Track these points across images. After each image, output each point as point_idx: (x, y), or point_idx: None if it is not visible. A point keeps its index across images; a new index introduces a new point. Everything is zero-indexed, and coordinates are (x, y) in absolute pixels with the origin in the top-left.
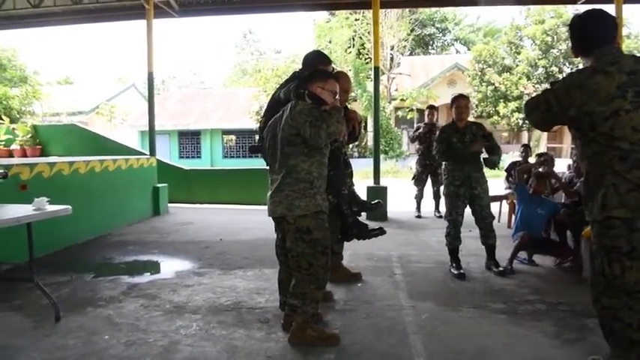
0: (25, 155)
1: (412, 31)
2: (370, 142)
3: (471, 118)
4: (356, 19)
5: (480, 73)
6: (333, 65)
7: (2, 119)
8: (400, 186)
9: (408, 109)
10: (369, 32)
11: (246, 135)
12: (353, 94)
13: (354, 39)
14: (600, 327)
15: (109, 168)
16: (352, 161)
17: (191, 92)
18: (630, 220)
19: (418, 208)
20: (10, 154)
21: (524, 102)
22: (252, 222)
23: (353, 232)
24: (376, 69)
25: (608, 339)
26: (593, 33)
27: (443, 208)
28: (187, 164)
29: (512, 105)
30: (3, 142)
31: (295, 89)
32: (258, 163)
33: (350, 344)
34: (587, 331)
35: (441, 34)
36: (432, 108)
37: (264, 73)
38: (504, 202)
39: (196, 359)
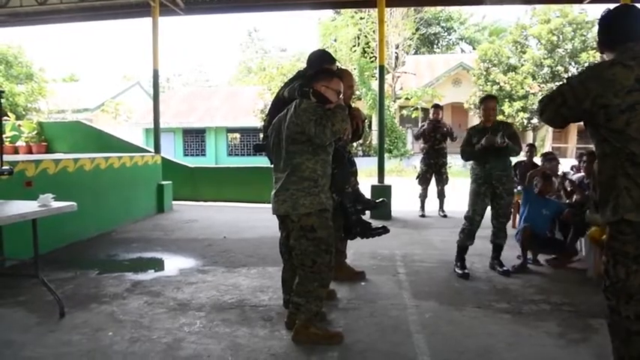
0: (30, 152)
1: (417, 30)
2: (375, 141)
3: (476, 119)
4: (361, 18)
5: (485, 73)
6: (337, 64)
7: (8, 116)
8: (404, 185)
9: (412, 108)
10: (374, 31)
11: (251, 133)
12: (358, 92)
13: (359, 37)
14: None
15: (114, 165)
16: (357, 160)
17: (196, 90)
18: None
19: (422, 207)
20: (16, 151)
21: (529, 101)
22: (256, 220)
23: (356, 231)
24: (381, 68)
25: (609, 329)
26: (619, 29)
27: (447, 207)
28: (192, 162)
29: (518, 104)
30: (9, 139)
31: (300, 88)
32: (263, 162)
33: (353, 343)
34: (592, 331)
35: (446, 33)
36: (437, 107)
37: (269, 72)
38: None
39: (200, 356)
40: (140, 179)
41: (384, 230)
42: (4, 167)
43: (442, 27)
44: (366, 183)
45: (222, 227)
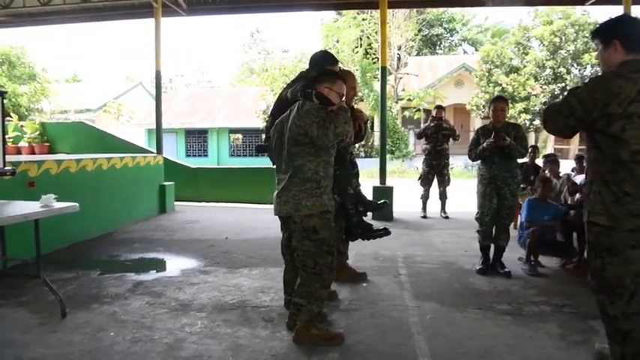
0: (33, 152)
1: (419, 31)
2: (377, 142)
3: (478, 120)
4: (363, 19)
5: (487, 74)
6: (339, 65)
7: (11, 116)
8: (406, 186)
9: (414, 110)
10: (376, 32)
11: (253, 134)
12: (360, 93)
13: (361, 39)
14: None
15: (116, 166)
16: (358, 161)
17: (198, 91)
18: (610, 227)
19: (424, 208)
20: (19, 151)
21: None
22: (258, 221)
23: (357, 232)
24: (383, 69)
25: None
26: (631, 36)
27: (449, 209)
28: (194, 162)
29: (520, 106)
30: (11, 140)
31: (303, 89)
32: (265, 162)
33: (354, 344)
34: (593, 332)
35: (448, 35)
36: (439, 107)
37: (271, 73)
38: None
39: (201, 357)
40: (142, 180)
41: (386, 232)
42: (6, 168)
43: (444, 28)
44: (367, 184)
45: (224, 228)
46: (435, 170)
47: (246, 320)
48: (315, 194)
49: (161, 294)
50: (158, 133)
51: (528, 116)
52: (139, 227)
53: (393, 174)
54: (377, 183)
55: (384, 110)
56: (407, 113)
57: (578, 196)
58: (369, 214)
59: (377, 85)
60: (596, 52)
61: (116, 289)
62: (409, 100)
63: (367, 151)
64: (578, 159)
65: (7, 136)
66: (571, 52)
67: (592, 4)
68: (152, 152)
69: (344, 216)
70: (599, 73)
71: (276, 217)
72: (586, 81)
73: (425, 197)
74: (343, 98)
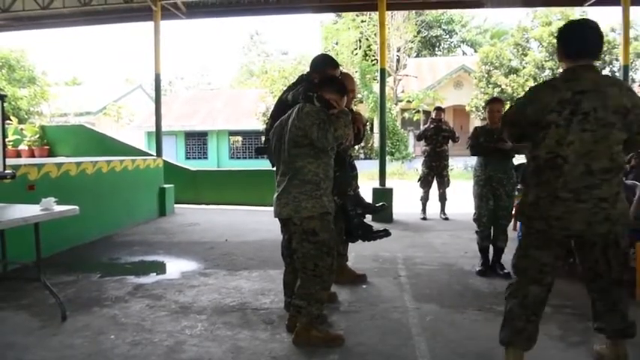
0: (32, 155)
1: (419, 32)
2: (376, 144)
3: (477, 121)
4: (362, 21)
5: (486, 75)
6: (340, 69)
7: (10, 120)
8: (406, 188)
9: (414, 111)
10: (375, 34)
11: (253, 136)
12: (359, 95)
13: (360, 41)
14: None
15: (116, 168)
16: (358, 163)
17: (198, 93)
18: (527, 224)
19: (424, 210)
20: (18, 155)
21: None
22: (258, 223)
23: (358, 234)
24: (382, 71)
25: None
26: (566, 44)
27: (448, 210)
28: (194, 165)
29: None
30: (11, 143)
31: (305, 92)
32: (264, 164)
33: (354, 345)
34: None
35: (447, 36)
36: (439, 109)
37: (271, 75)
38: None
39: (201, 359)
40: (142, 182)
41: (386, 233)
42: (6, 171)
43: (443, 30)
44: (367, 186)
45: (224, 230)
46: (435, 172)
47: (247, 322)
48: (315, 196)
49: (161, 297)
50: (158, 135)
51: None
52: (139, 230)
53: (392, 176)
54: (377, 185)
55: (383, 112)
56: (406, 115)
57: None
58: (369, 215)
59: (376, 87)
60: None
61: (116, 291)
62: (408, 101)
63: (367, 152)
64: None
65: (7, 140)
66: None
67: (591, 4)
68: (152, 155)
69: (344, 218)
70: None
71: (276, 219)
72: (527, 90)
73: (424, 199)
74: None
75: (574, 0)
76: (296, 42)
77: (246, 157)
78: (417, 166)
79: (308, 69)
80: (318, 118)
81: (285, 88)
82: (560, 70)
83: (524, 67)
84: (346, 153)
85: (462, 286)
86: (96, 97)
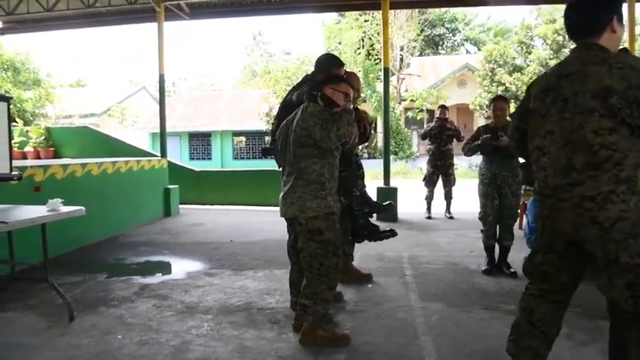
0: (38, 157)
1: (422, 31)
2: (380, 143)
3: (481, 120)
4: (365, 20)
5: (490, 74)
6: (345, 68)
7: (16, 122)
8: (410, 187)
9: (417, 110)
10: (378, 33)
11: (256, 136)
12: (363, 94)
13: (363, 40)
14: None
15: (121, 169)
16: (362, 162)
17: (201, 94)
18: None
19: (428, 208)
20: (24, 156)
21: None
22: (263, 223)
23: (364, 234)
24: (386, 70)
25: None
26: (567, 23)
27: (453, 209)
28: (198, 165)
29: None
30: (17, 145)
31: (309, 92)
32: (268, 165)
33: (360, 345)
34: (599, 333)
35: (450, 35)
36: (443, 107)
37: (274, 75)
38: None
39: (208, 359)
40: (147, 183)
41: (392, 233)
42: (13, 173)
43: (447, 28)
44: (371, 185)
45: (229, 230)
46: (440, 171)
47: (252, 322)
48: (320, 196)
49: (167, 297)
50: (162, 136)
51: None
52: (145, 230)
53: (396, 175)
54: (381, 184)
55: (387, 111)
56: (410, 114)
57: None
58: (374, 215)
59: (380, 86)
60: None
61: (123, 292)
62: (412, 100)
63: (371, 152)
64: None
65: (13, 142)
66: None
67: None
68: (156, 156)
69: (350, 218)
70: None
71: (281, 219)
72: None
73: (429, 198)
74: (350, 99)
75: None
76: (299, 42)
77: (249, 158)
78: (421, 165)
79: (311, 69)
80: (321, 117)
81: (289, 89)
82: None
83: (528, 65)
84: (352, 152)
85: (468, 285)
86: (100, 99)
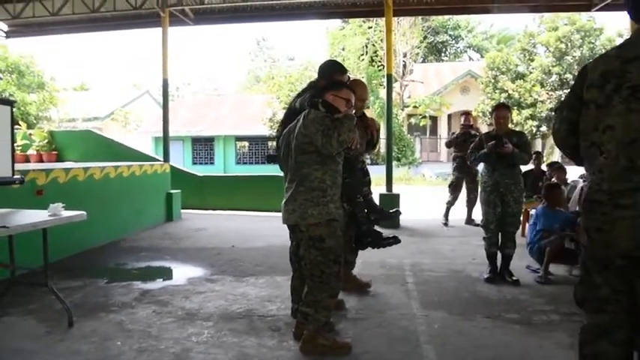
0: (41, 160)
1: (425, 38)
2: (383, 150)
3: (484, 127)
4: (369, 27)
5: (493, 81)
6: (348, 74)
7: (19, 125)
8: (412, 193)
9: (420, 117)
10: (381, 40)
11: (259, 142)
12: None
13: (367, 46)
14: None
15: (124, 174)
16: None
17: (205, 99)
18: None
19: (446, 215)
20: (27, 160)
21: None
22: (265, 229)
23: (367, 241)
24: (389, 76)
25: None
26: (629, 3)
27: (457, 216)
28: (201, 170)
29: (526, 112)
30: (20, 148)
31: (310, 98)
32: (271, 170)
33: (362, 353)
34: None
35: (453, 42)
36: (466, 114)
37: (278, 80)
38: None
39: None
40: (149, 188)
41: (395, 240)
42: (15, 176)
43: (450, 35)
44: (374, 191)
45: (231, 236)
46: (467, 177)
47: (253, 329)
48: (322, 203)
49: (168, 303)
50: (165, 141)
51: (535, 123)
52: (146, 235)
53: (399, 181)
54: (383, 190)
55: (390, 117)
56: (413, 120)
57: None
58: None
59: (383, 93)
60: None
61: (123, 297)
62: (415, 107)
63: (373, 158)
64: (550, 165)
65: (15, 145)
66: (577, 57)
67: (598, 10)
68: (159, 160)
69: (354, 225)
70: None
71: (284, 225)
72: None
73: (450, 203)
74: (352, 105)
75: (581, 5)
76: (303, 48)
77: (252, 163)
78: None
79: (315, 75)
80: (322, 124)
81: (293, 94)
82: (568, 75)
83: (530, 73)
84: (357, 159)
85: (470, 293)
86: (104, 103)
